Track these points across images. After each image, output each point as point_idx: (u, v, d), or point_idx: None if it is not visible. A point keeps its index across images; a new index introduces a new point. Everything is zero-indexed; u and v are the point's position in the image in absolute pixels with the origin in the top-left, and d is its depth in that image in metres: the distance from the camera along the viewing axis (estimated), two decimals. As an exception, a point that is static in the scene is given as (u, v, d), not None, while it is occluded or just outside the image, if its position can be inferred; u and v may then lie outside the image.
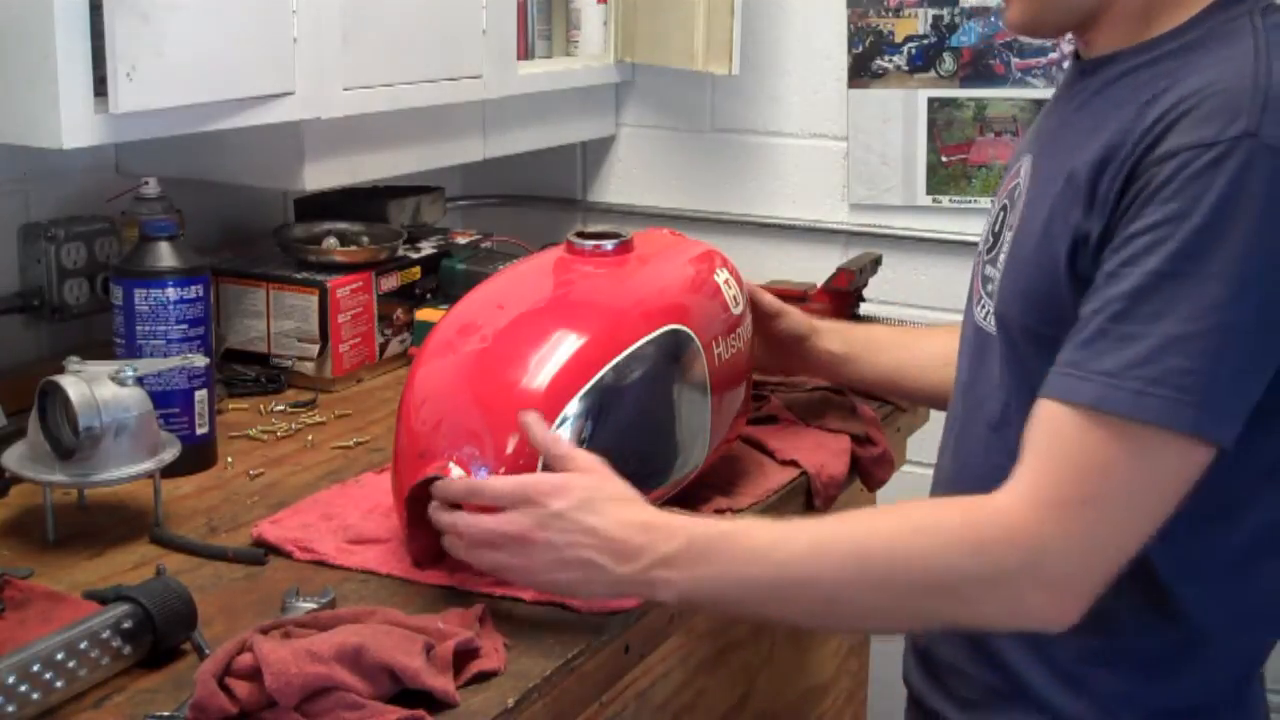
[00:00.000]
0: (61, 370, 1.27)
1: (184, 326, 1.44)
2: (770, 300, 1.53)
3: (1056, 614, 1.04)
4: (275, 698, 0.96)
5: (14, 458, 1.28)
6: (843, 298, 1.91)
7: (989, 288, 1.21)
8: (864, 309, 1.97)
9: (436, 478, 1.16)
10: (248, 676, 0.98)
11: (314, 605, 1.12)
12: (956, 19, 2.17)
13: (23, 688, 0.97)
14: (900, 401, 1.67)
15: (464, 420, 1.18)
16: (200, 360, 1.43)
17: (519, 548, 1.10)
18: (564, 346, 1.22)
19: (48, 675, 0.99)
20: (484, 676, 1.04)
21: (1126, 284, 1.03)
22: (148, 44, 1.42)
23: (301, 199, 2.04)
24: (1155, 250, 1.02)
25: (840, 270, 1.92)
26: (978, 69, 2.17)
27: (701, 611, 1.28)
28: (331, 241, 1.88)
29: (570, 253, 1.36)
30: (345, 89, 1.73)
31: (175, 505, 1.37)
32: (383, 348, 1.84)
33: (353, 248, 1.86)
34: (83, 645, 1.01)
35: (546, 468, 1.15)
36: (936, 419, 1.50)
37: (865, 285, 1.96)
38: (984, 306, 1.22)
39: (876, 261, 1.99)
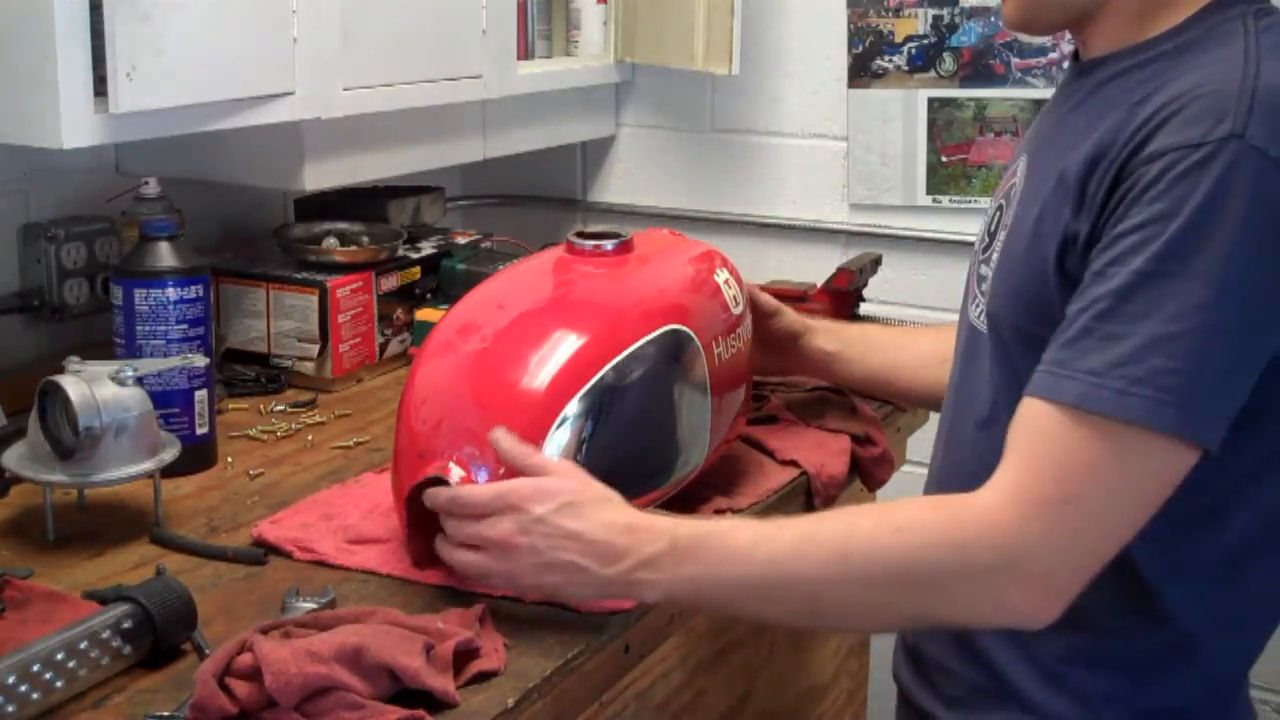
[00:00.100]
0: (61, 370, 1.27)
1: (184, 326, 1.44)
2: (766, 300, 1.54)
3: (1036, 611, 1.05)
4: (275, 698, 0.96)
5: (14, 458, 1.28)
6: (843, 298, 1.91)
7: (983, 286, 1.21)
8: (864, 309, 1.97)
9: (436, 478, 1.16)
10: (248, 676, 0.98)
11: (314, 605, 1.12)
12: (956, 19, 2.17)
13: (23, 688, 0.97)
14: (894, 401, 1.67)
15: (464, 420, 1.18)
16: (200, 360, 1.43)
17: (502, 553, 1.11)
18: (564, 346, 1.22)
19: (48, 675, 0.99)
20: (484, 676, 1.04)
21: (1112, 283, 1.03)
22: (148, 44, 1.42)
23: (301, 199, 2.04)
24: (1141, 250, 1.02)
25: (840, 270, 1.92)
26: (978, 69, 2.17)
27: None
28: (331, 241, 1.88)
29: (570, 253, 1.36)
30: (345, 89, 1.73)
31: (175, 505, 1.37)
32: (383, 348, 1.84)
33: (353, 248, 1.86)
34: (83, 645, 1.01)
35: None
36: (936, 419, 1.50)
37: (865, 285, 1.96)
38: (978, 305, 1.23)
39: (876, 261, 1.99)
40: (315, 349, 1.75)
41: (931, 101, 2.20)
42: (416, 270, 1.89)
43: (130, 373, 1.28)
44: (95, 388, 1.25)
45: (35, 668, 0.98)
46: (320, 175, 1.80)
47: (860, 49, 2.23)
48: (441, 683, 1.01)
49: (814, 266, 2.20)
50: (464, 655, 1.04)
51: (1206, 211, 1.00)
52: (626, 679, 1.22)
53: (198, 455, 1.46)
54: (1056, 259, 1.10)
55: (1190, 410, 1.01)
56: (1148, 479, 1.03)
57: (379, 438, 1.58)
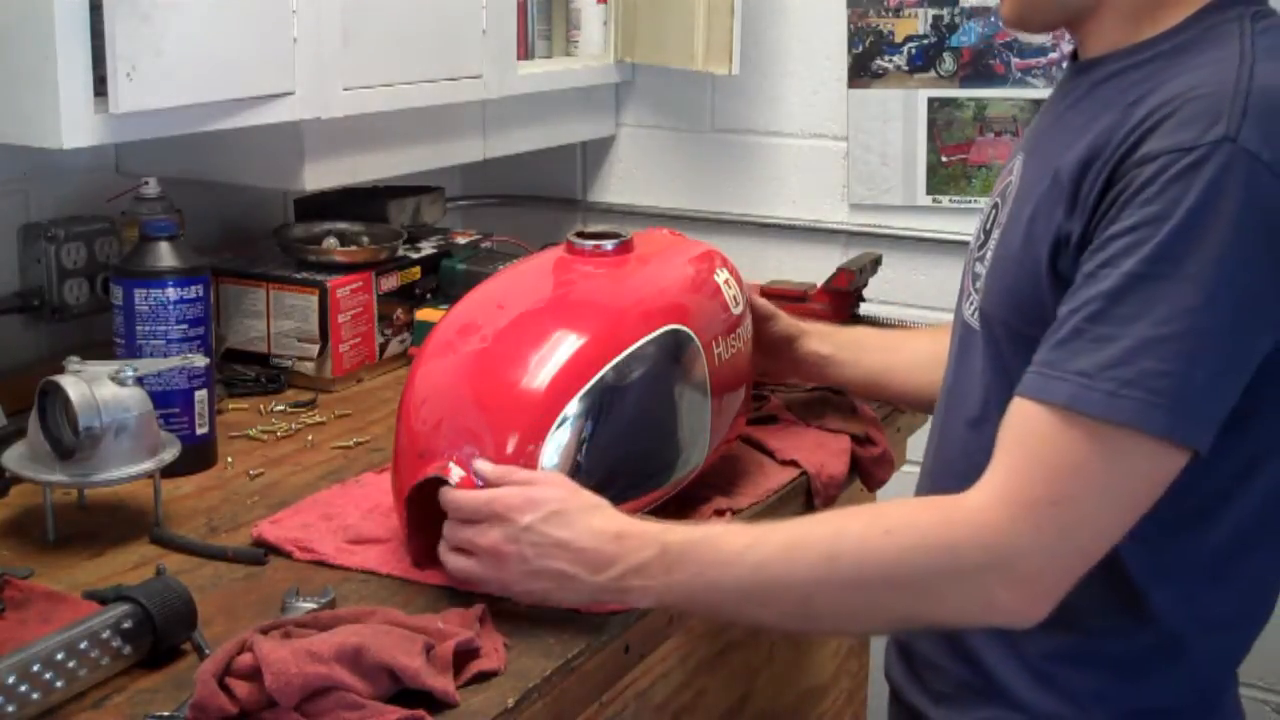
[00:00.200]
0: (61, 370, 1.27)
1: (184, 326, 1.44)
2: (760, 304, 1.53)
3: (1025, 610, 1.05)
4: (275, 698, 0.96)
5: (14, 458, 1.28)
6: (843, 298, 1.91)
7: (977, 284, 1.22)
8: (864, 309, 1.98)
9: (436, 478, 1.16)
10: (248, 676, 0.98)
11: (314, 605, 1.12)
12: (956, 19, 2.17)
13: (23, 688, 0.97)
14: (888, 403, 1.67)
15: (464, 420, 1.18)
16: (200, 360, 1.42)
17: (492, 560, 1.12)
18: (564, 346, 1.22)
19: (48, 675, 0.99)
20: (484, 676, 1.04)
21: (1104, 285, 1.03)
22: (148, 44, 1.42)
23: (301, 199, 2.04)
24: (1133, 252, 1.02)
25: (840, 270, 1.92)
26: (978, 69, 2.17)
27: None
28: (331, 241, 1.88)
29: (570, 253, 1.36)
30: (345, 89, 1.73)
31: (175, 505, 1.37)
32: (383, 348, 1.84)
33: (353, 248, 1.86)
34: (83, 645, 1.01)
35: None
36: (936, 419, 1.50)
37: (865, 285, 1.96)
38: (971, 302, 1.23)
39: (876, 261, 1.99)
40: (315, 349, 1.75)
41: (931, 101, 2.20)
42: (416, 270, 1.89)
43: (130, 373, 1.28)
44: (95, 388, 1.25)
45: (35, 668, 0.98)
46: (320, 175, 1.80)
47: (860, 49, 2.23)
48: (441, 683, 1.01)
49: (814, 266, 2.20)
50: (464, 655, 1.04)
51: (1198, 214, 1.00)
52: (626, 679, 1.22)
53: (198, 455, 1.46)
54: (1049, 259, 1.10)
55: (1180, 413, 1.01)
56: (1137, 481, 1.03)
57: (379, 438, 1.58)
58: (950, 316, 1.35)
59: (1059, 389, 1.03)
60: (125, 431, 1.25)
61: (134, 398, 1.27)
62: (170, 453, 1.31)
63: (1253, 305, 1.02)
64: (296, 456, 1.52)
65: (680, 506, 1.32)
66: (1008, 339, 1.15)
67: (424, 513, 1.18)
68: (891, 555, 1.06)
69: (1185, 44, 1.11)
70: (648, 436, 1.27)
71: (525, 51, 2.19)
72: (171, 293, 1.43)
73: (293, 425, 1.62)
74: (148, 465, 1.28)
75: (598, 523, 1.11)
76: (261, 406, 1.68)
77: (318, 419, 1.65)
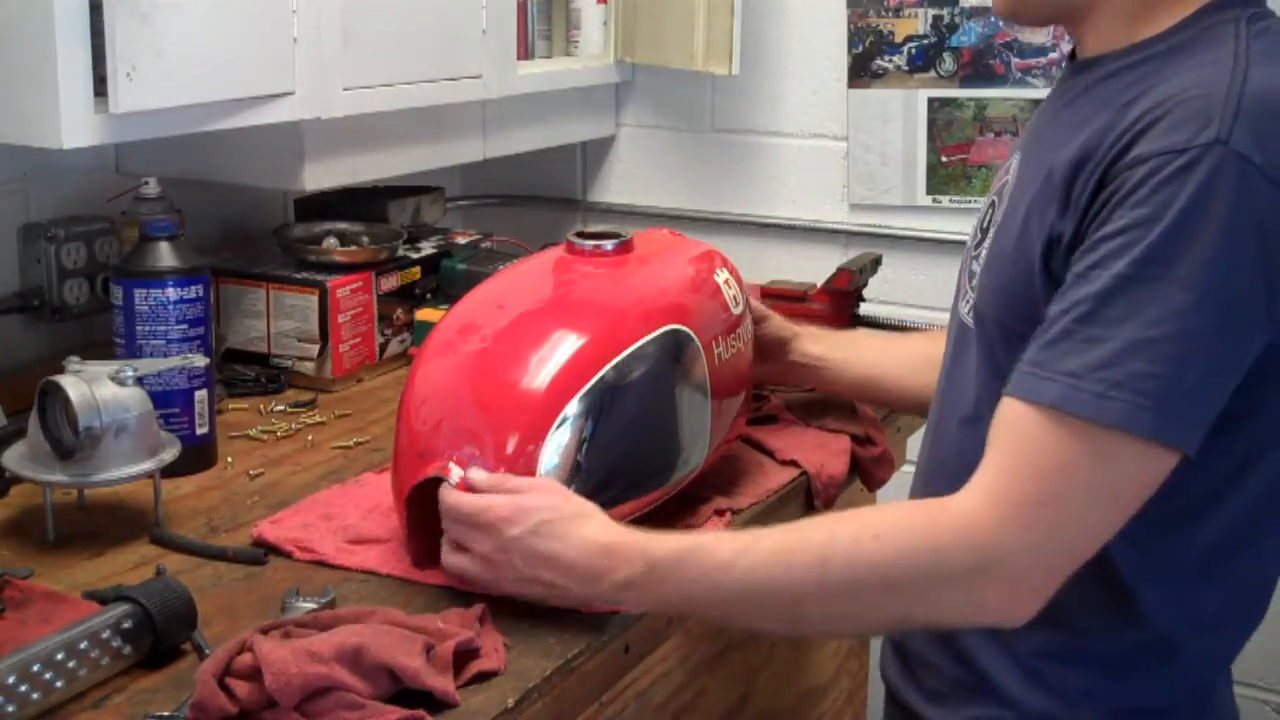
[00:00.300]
0: (61, 370, 1.27)
1: (184, 326, 1.44)
2: (754, 306, 1.53)
3: (1013, 610, 1.06)
4: (275, 698, 0.96)
5: (14, 458, 1.28)
6: (843, 298, 1.91)
7: (973, 282, 1.22)
8: (864, 309, 1.97)
9: (437, 478, 1.16)
10: (248, 676, 0.98)
11: (314, 605, 1.12)
12: (956, 19, 2.17)
13: (23, 688, 0.97)
14: (882, 406, 1.66)
15: (464, 420, 1.19)
16: (200, 360, 1.43)
17: (484, 565, 1.13)
18: (564, 346, 1.22)
19: (48, 675, 0.99)
20: (484, 676, 1.04)
21: (1094, 286, 1.03)
22: (148, 44, 1.42)
23: (301, 199, 2.04)
24: (1123, 254, 1.02)
25: (840, 270, 1.92)
26: (978, 69, 2.17)
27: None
28: (331, 241, 1.88)
29: (570, 253, 1.36)
30: (345, 89, 1.73)
31: (175, 505, 1.37)
32: (383, 348, 1.84)
33: (353, 248, 1.86)
34: (83, 645, 1.01)
35: None
36: (935, 419, 1.50)
37: (865, 285, 1.96)
38: (967, 300, 1.23)
39: (876, 261, 1.99)
40: (315, 349, 1.75)
41: (931, 101, 2.20)
42: (416, 270, 1.89)
43: (130, 373, 1.28)
44: (95, 388, 1.25)
45: (35, 668, 0.98)
46: (320, 175, 1.80)
47: (860, 49, 2.23)
48: (441, 683, 1.01)
49: (814, 266, 2.20)
50: (464, 655, 1.04)
51: (1189, 217, 1.00)
52: (626, 679, 1.22)
53: (198, 455, 1.46)
54: (1041, 258, 1.10)
55: (1168, 415, 1.01)
56: (1125, 482, 1.03)
57: (379, 438, 1.58)
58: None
59: (1048, 389, 1.03)
60: (125, 431, 1.25)
61: (134, 398, 1.27)
62: (170, 453, 1.31)
63: (1242, 308, 1.02)
64: (296, 456, 1.52)
65: (680, 506, 1.32)
66: (1001, 337, 1.15)
67: (424, 513, 1.18)
68: (882, 559, 1.06)
69: (1181, 45, 1.11)
70: (648, 436, 1.27)
71: (525, 51, 2.19)
72: (171, 293, 1.43)
73: (293, 425, 1.62)
74: (148, 465, 1.28)
75: (588, 533, 1.11)
76: (261, 406, 1.68)
77: (318, 419, 1.65)
